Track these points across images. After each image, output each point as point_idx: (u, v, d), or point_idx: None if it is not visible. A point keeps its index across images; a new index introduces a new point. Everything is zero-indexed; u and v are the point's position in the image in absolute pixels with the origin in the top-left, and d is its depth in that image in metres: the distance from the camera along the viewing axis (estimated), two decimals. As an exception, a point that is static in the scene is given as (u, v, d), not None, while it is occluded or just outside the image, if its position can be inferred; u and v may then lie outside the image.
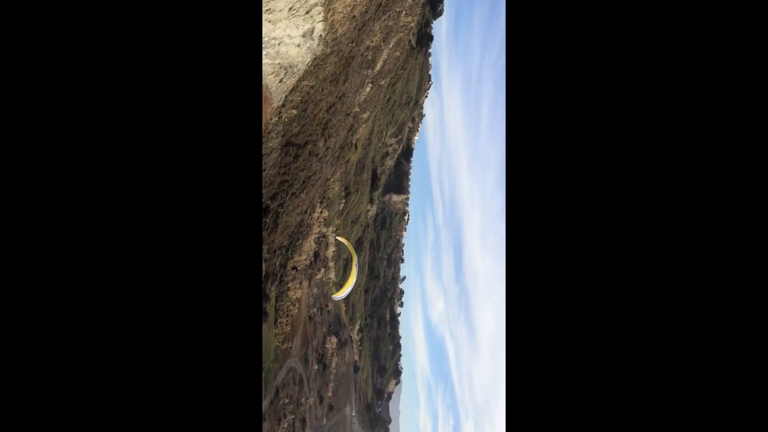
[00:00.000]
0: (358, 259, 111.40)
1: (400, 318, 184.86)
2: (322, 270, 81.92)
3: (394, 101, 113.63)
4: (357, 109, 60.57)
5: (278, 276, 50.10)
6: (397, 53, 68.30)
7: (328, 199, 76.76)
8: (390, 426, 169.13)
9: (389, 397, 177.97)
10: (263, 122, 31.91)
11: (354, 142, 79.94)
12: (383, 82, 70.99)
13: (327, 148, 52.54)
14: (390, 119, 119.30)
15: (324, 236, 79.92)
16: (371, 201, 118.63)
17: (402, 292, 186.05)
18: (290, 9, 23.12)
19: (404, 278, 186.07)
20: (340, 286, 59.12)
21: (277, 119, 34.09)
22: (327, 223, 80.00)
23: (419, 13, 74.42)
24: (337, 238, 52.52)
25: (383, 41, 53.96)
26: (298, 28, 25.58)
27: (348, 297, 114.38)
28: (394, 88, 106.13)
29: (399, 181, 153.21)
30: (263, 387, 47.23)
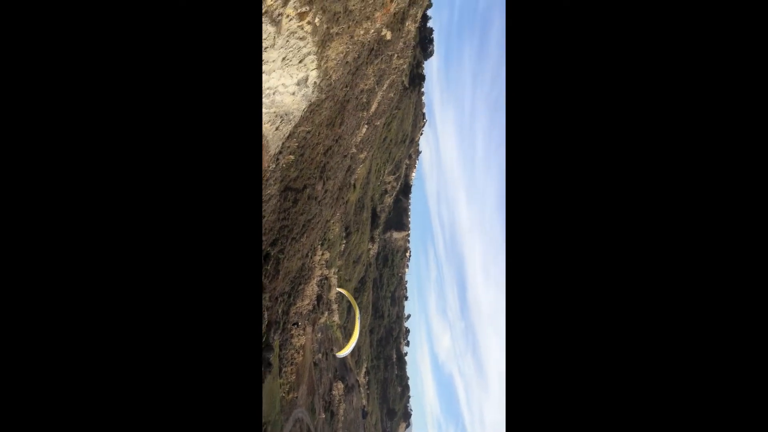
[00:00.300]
0: (360, 310, 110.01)
1: (407, 358, 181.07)
2: (326, 313, 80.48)
3: (390, 140, 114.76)
4: (354, 150, 60.85)
5: (281, 324, 48.93)
6: (391, 94, 69.26)
7: (329, 240, 76.21)
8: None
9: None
10: (262, 165, 31.69)
11: (352, 182, 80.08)
12: (378, 123, 71.71)
13: (326, 191, 52.37)
14: (387, 157, 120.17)
15: (326, 278, 78.94)
16: (372, 239, 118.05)
17: (408, 331, 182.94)
18: (284, 59, 23.18)
19: (409, 316, 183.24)
20: (347, 336, 57.91)
21: (274, 166, 33.91)
22: (329, 265, 79.14)
23: (410, 54, 75.94)
24: (338, 290, 51.78)
25: (377, 84, 54.65)
26: (292, 77, 25.64)
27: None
28: (390, 128, 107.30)
29: (399, 218, 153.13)
30: (269, 441, 45.33)
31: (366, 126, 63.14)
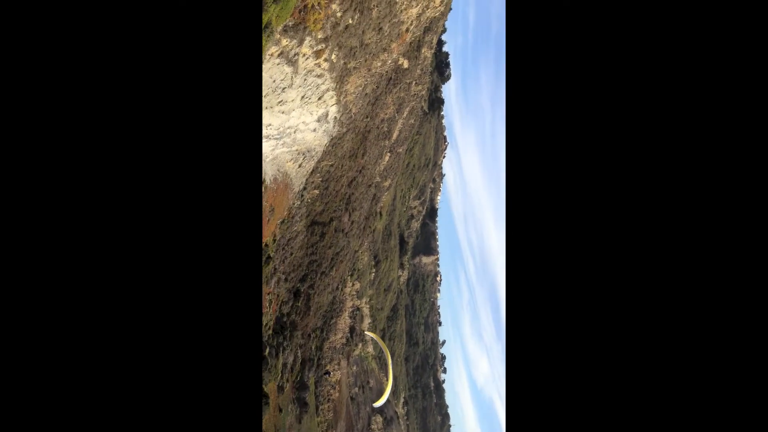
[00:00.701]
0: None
1: (444, 385, 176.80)
2: (359, 345, 79.32)
3: (414, 165, 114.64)
4: (378, 179, 60.63)
5: (315, 360, 48.12)
6: (411, 120, 69.26)
7: (359, 270, 75.60)
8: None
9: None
10: (286, 207, 31.50)
11: (378, 210, 79.77)
12: (401, 150, 71.61)
13: (352, 222, 52.02)
14: (411, 183, 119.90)
15: (358, 309, 78.04)
16: (402, 266, 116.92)
17: (444, 357, 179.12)
18: (302, 98, 23.09)
19: (444, 342, 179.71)
20: (382, 367, 56.90)
21: (299, 202, 33.71)
22: (360, 295, 78.35)
23: (428, 80, 76.15)
24: (366, 333, 50.97)
25: (397, 112, 54.66)
26: (312, 114, 25.53)
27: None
28: (412, 153, 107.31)
29: (427, 243, 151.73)
30: (310, 484, 44.06)
31: (388, 154, 63.04)
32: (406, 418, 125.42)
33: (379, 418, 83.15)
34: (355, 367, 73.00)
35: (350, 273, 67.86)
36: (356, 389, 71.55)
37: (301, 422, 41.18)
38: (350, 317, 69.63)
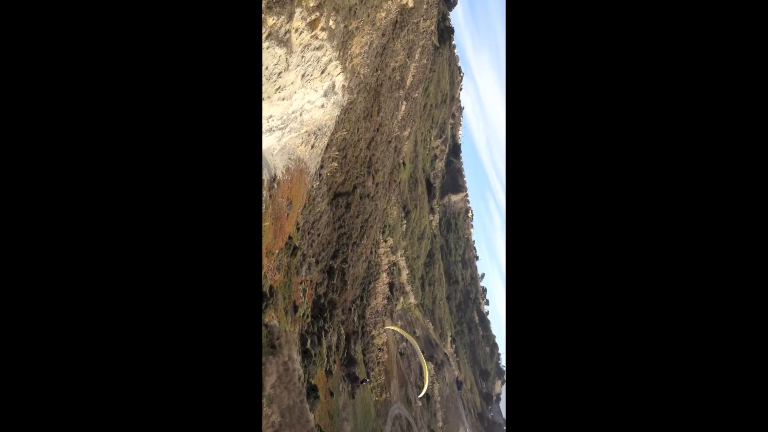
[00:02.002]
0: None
1: (489, 316, 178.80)
2: (401, 299, 78.78)
3: (431, 105, 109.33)
4: (397, 132, 57.01)
5: (360, 332, 47.12)
6: (424, 60, 64.27)
7: (389, 226, 73.59)
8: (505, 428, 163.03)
9: (498, 399, 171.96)
10: (305, 192, 28.93)
11: (401, 161, 76.47)
12: (416, 94, 67.12)
13: (377, 184, 49.22)
14: (431, 123, 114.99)
15: (394, 264, 76.82)
16: (432, 210, 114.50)
17: (485, 290, 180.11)
18: (303, 77, 19.84)
19: (483, 275, 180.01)
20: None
21: (318, 182, 31.03)
22: (394, 250, 76.86)
23: (435, 12, 70.08)
24: (389, 328, 49.28)
25: (408, 57, 50.16)
26: (316, 91, 22.30)
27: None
28: (428, 93, 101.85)
29: (454, 181, 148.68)
30: (373, 451, 44.30)
31: (404, 103, 58.96)
32: (455, 355, 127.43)
33: (430, 365, 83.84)
34: (399, 323, 72.71)
35: (381, 231, 65.85)
36: (404, 344, 71.54)
37: (354, 397, 40.66)
38: (387, 274, 68.37)
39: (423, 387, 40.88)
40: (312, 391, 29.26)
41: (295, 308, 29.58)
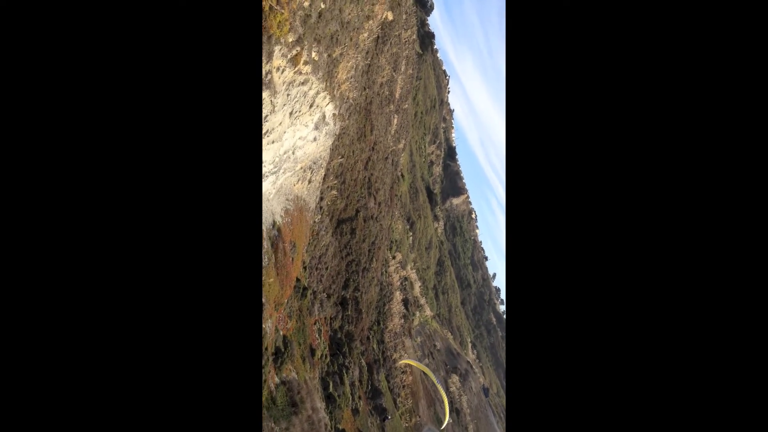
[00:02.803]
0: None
1: (505, 317, 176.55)
2: (417, 313, 77.01)
3: (421, 112, 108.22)
4: (392, 146, 55.66)
5: (381, 358, 45.40)
6: (410, 70, 63.11)
7: (396, 241, 72.04)
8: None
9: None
10: (307, 230, 27.43)
11: (399, 174, 75.12)
12: (406, 105, 65.88)
13: (379, 203, 47.75)
14: (423, 130, 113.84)
15: (406, 279, 75.15)
16: (436, 218, 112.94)
17: (498, 290, 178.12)
18: (291, 114, 18.43)
19: (494, 275, 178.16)
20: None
21: (319, 216, 29.54)
22: (404, 265, 75.20)
23: (414, 20, 69.07)
24: (404, 362, 47.88)
25: (394, 70, 48.92)
26: (307, 126, 20.89)
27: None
28: (417, 101, 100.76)
29: (453, 184, 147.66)
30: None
31: (396, 116, 57.71)
32: (478, 361, 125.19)
33: (455, 378, 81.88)
34: (419, 339, 70.94)
35: (389, 247, 64.28)
36: (426, 360, 69.67)
37: (384, 430, 38.89)
38: (400, 291, 66.70)
39: (444, 419, 39.42)
40: (341, 436, 27.58)
41: (312, 352, 27.97)
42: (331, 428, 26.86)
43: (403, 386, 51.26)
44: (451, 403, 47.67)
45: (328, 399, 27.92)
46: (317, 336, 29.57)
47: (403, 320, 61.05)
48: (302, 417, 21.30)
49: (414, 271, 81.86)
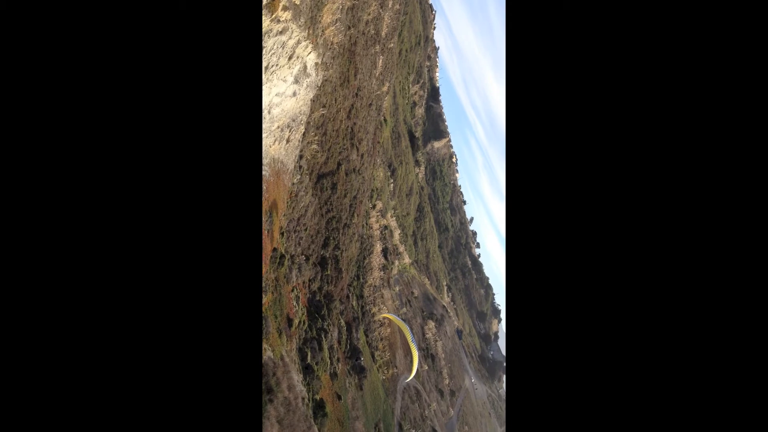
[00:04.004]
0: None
1: (481, 259, 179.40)
2: (396, 262, 76.14)
3: (406, 49, 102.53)
4: (377, 90, 51.99)
5: (360, 314, 44.31)
6: (396, 5, 58.18)
7: (377, 189, 69.69)
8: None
9: (497, 337, 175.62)
10: (286, 193, 24.84)
11: (382, 119, 71.57)
12: (392, 44, 61.38)
13: (362, 155, 44.92)
14: (408, 69, 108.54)
15: (386, 227, 73.56)
16: (417, 163, 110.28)
17: (475, 234, 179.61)
18: (266, 69, 15.37)
19: (472, 219, 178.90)
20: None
21: (298, 177, 26.86)
22: (384, 213, 73.35)
23: (405, -52, 63.12)
24: (384, 316, 46.70)
25: (381, 6, 44.53)
26: (285, 80, 17.85)
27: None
28: (402, 37, 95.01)
29: (435, 127, 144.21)
30: (386, 434, 42.68)
31: (381, 57, 53.58)
32: (453, 303, 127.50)
33: (431, 324, 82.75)
34: (397, 288, 70.44)
35: (370, 196, 62.00)
36: (404, 309, 69.58)
37: (362, 388, 38.36)
38: (380, 241, 65.21)
39: (413, 369, 39.37)
40: (319, 408, 26.48)
41: (290, 322, 26.24)
42: (309, 401, 25.67)
43: (381, 339, 50.84)
44: (420, 360, 48.04)
45: (306, 370, 26.58)
46: (295, 304, 27.77)
47: (382, 272, 59.96)
48: (277, 402, 19.83)
49: (394, 218, 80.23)
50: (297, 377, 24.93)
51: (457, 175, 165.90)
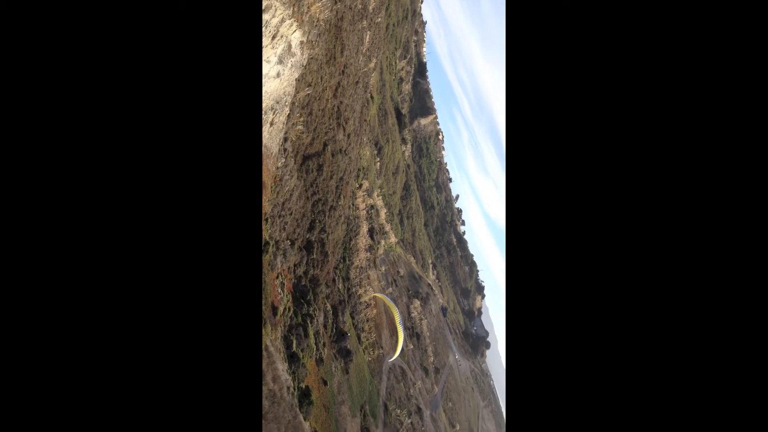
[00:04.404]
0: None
1: (465, 236, 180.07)
2: (382, 242, 75.62)
3: (393, 24, 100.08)
4: (364, 67, 50.52)
5: (345, 297, 43.85)
6: (386, -21, 56.30)
7: (364, 168, 68.58)
8: (489, 338, 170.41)
9: (480, 313, 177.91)
10: (270, 177, 23.85)
11: (369, 96, 70.01)
12: (379, 19, 59.61)
13: (348, 135, 43.78)
14: (395, 44, 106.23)
15: (372, 207, 72.76)
16: (404, 141, 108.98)
17: (460, 211, 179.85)
18: (248, 51, 14.20)
19: (458, 196, 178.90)
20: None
21: (283, 161, 25.84)
22: (370, 192, 72.46)
23: None
24: (375, 295, 46.29)
25: (369, -20, 42.87)
26: (269, 61, 16.74)
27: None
28: (389, 11, 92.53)
29: (422, 103, 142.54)
30: (374, 415, 42.75)
31: (368, 32, 51.92)
32: (437, 281, 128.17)
33: (416, 302, 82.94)
34: (383, 268, 70.10)
35: (356, 176, 60.98)
36: (390, 289, 69.37)
37: (348, 371, 38.15)
38: (366, 221, 64.50)
39: (397, 348, 39.81)
40: (304, 397, 26.09)
41: (275, 310, 25.58)
42: (294, 389, 25.25)
43: (367, 320, 50.62)
44: (405, 340, 48.32)
45: (291, 358, 26.07)
46: (280, 291, 27.07)
47: (368, 253, 59.43)
48: (262, 395, 19.29)
49: (380, 197, 79.43)
50: (282, 366, 24.42)
51: (443, 152, 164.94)
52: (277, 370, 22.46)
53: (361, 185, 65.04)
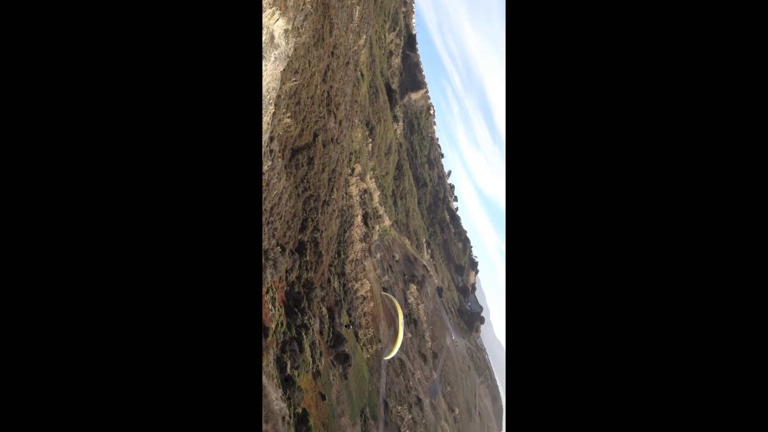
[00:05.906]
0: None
1: (458, 213, 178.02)
2: (377, 227, 72.97)
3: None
4: (353, 46, 46.87)
5: (342, 296, 41.35)
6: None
7: (356, 152, 65.34)
8: (483, 313, 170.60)
9: (474, 289, 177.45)
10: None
11: (359, 74, 66.22)
12: (370, -8, 55.63)
13: (339, 122, 40.54)
14: (384, 17, 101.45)
15: (365, 191, 69.86)
16: (395, 119, 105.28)
17: (452, 187, 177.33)
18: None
19: (450, 172, 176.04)
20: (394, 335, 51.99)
21: (270, 163, 22.83)
22: (363, 176, 69.41)
23: None
24: (383, 294, 44.03)
25: (358, -50, 39.04)
26: (247, 60, 13.54)
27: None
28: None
29: (413, 77, 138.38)
30: (374, 417, 40.88)
31: (358, 7, 48.13)
32: (432, 260, 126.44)
33: (413, 287, 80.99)
34: (378, 255, 67.65)
35: (348, 161, 57.81)
36: (385, 277, 67.12)
37: (347, 377, 35.97)
38: (360, 207, 61.67)
39: (394, 347, 38.22)
40: (301, 424, 23.75)
41: (266, 331, 22.97)
42: (291, 417, 22.89)
43: (365, 315, 48.36)
44: (404, 331, 46.78)
45: (286, 382, 23.63)
46: (271, 307, 24.43)
47: (363, 243, 56.82)
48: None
49: (373, 180, 76.39)
50: (276, 395, 21.97)
51: (434, 127, 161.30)
52: (270, 404, 20.04)
53: (353, 170, 61.98)
